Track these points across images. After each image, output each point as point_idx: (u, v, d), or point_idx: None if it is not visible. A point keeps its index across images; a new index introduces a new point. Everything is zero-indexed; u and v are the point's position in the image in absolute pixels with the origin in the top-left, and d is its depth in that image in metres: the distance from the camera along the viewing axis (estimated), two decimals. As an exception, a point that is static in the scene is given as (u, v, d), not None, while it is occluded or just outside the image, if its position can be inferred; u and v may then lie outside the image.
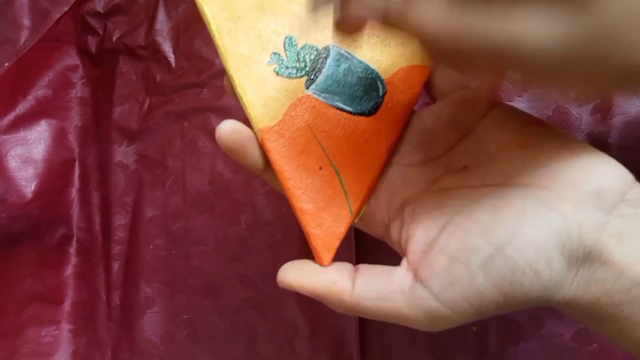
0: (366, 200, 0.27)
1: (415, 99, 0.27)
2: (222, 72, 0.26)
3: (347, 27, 0.21)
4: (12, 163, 0.39)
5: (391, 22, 0.19)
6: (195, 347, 0.39)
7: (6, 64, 0.38)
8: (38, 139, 0.41)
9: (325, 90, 0.26)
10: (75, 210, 0.41)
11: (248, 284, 0.39)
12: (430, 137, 0.27)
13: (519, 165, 0.24)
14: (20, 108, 0.40)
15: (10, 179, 0.39)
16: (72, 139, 0.42)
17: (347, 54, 0.27)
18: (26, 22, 0.39)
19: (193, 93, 0.41)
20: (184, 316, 0.39)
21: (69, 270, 0.41)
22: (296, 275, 0.25)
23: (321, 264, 0.26)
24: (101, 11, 0.42)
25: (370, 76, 0.27)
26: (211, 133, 0.40)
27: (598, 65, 0.19)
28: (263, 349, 0.38)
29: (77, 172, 0.42)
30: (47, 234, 0.40)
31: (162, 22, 0.41)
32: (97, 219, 0.41)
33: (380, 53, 0.27)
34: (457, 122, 0.26)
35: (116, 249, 0.41)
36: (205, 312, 0.39)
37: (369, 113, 0.27)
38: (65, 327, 0.40)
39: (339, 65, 0.27)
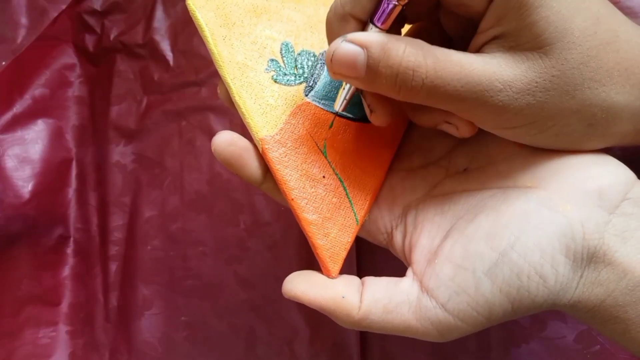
0: (370, 209, 0.27)
1: None
2: (221, 72, 0.26)
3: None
4: (9, 163, 0.39)
5: (375, 58, 0.20)
6: (194, 349, 0.39)
7: (3, 63, 0.38)
8: (35, 139, 0.40)
9: (324, 97, 0.26)
10: (73, 211, 0.41)
11: (247, 286, 0.38)
12: (429, 140, 0.27)
13: (519, 167, 0.24)
14: (17, 107, 0.40)
15: (7, 179, 0.39)
16: (70, 139, 0.42)
17: None
18: (23, 20, 0.39)
19: (191, 92, 0.40)
20: (182, 318, 0.39)
21: (66, 272, 0.40)
22: (303, 287, 0.24)
23: (328, 276, 0.25)
24: (99, 9, 0.42)
25: None
26: (209, 132, 0.40)
27: (565, 103, 0.21)
28: (262, 351, 0.38)
29: (74, 172, 0.41)
30: (44, 234, 0.40)
31: (160, 20, 0.41)
32: (94, 220, 0.41)
33: None
34: None
35: (114, 249, 0.41)
36: (203, 313, 0.39)
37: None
38: (63, 328, 0.40)
39: None
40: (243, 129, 0.26)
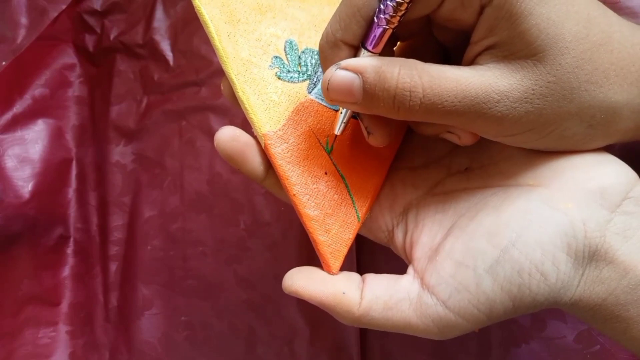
0: (371, 206, 0.27)
1: None
2: (221, 71, 0.26)
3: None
4: (9, 163, 0.39)
5: (370, 82, 0.21)
6: (194, 349, 0.39)
7: (3, 63, 0.38)
8: (35, 139, 0.40)
9: None
10: (73, 211, 0.41)
11: (247, 286, 0.38)
12: (431, 140, 0.27)
13: (520, 166, 0.24)
14: (18, 107, 0.40)
15: (7, 179, 0.39)
16: (70, 139, 0.42)
17: None
18: (23, 20, 0.39)
19: (191, 92, 0.40)
20: (182, 318, 0.39)
21: (66, 272, 0.40)
22: (304, 283, 0.24)
23: (329, 272, 0.25)
24: (99, 9, 0.42)
25: None
26: (209, 132, 0.40)
27: (563, 107, 0.21)
28: (262, 351, 0.38)
29: (74, 172, 0.41)
30: (44, 234, 0.40)
31: (160, 20, 0.41)
32: (94, 220, 0.41)
33: None
34: None
35: (114, 249, 0.41)
36: (203, 313, 0.39)
37: None
38: (63, 328, 0.40)
39: None
40: (243, 129, 0.26)
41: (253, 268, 0.38)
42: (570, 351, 0.33)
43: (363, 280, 0.24)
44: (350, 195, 0.26)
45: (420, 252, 0.24)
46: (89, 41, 0.42)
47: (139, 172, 0.41)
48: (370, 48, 0.22)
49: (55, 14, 0.39)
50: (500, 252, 0.21)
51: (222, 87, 0.26)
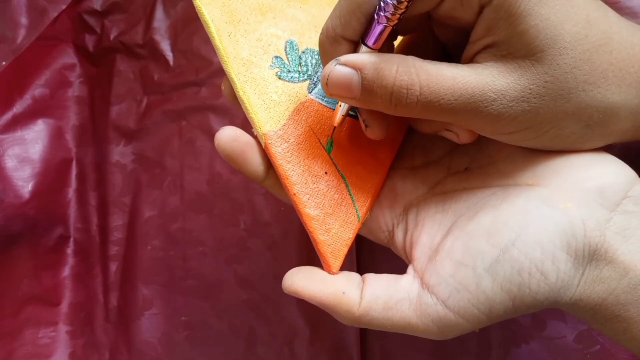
0: (371, 206, 0.27)
1: None
2: (221, 71, 0.26)
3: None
4: (9, 163, 0.39)
5: (369, 79, 0.21)
6: (194, 349, 0.39)
7: (3, 63, 0.38)
8: (35, 139, 0.40)
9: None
10: (73, 211, 0.41)
11: (247, 286, 0.38)
12: (431, 140, 0.27)
13: (520, 165, 0.24)
14: (18, 107, 0.40)
15: (7, 179, 0.39)
16: (69, 139, 0.42)
17: None
18: (23, 20, 0.39)
19: (191, 92, 0.40)
20: (182, 318, 0.39)
21: (66, 272, 0.40)
22: (304, 282, 0.24)
23: (329, 272, 0.25)
24: (99, 9, 0.42)
25: None
26: (209, 132, 0.40)
27: (560, 107, 0.21)
28: (262, 351, 0.38)
29: (74, 172, 0.41)
30: (44, 234, 0.40)
31: (160, 20, 0.41)
32: (94, 220, 0.41)
33: None
34: None
35: (113, 249, 0.41)
36: (203, 313, 0.39)
37: None
38: (63, 328, 0.40)
39: None
40: (243, 129, 0.26)
41: (253, 268, 0.38)
42: (570, 351, 0.33)
43: (363, 280, 0.24)
44: (350, 194, 0.26)
45: (420, 252, 0.24)
46: (89, 41, 0.42)
47: (139, 172, 0.41)
48: (370, 44, 0.22)
49: (55, 14, 0.39)
50: (500, 252, 0.21)
51: (223, 87, 0.26)
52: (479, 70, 0.20)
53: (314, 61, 0.27)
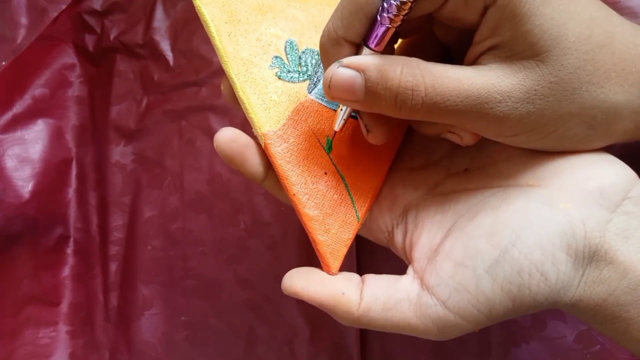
0: (371, 206, 0.27)
1: None
2: (221, 71, 0.26)
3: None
4: (9, 163, 0.39)
5: (372, 81, 0.21)
6: (194, 349, 0.39)
7: (3, 63, 0.38)
8: (35, 139, 0.40)
9: None
10: (73, 211, 0.41)
11: (247, 286, 0.38)
12: (431, 141, 0.27)
13: (520, 166, 0.24)
14: (18, 107, 0.40)
15: (7, 179, 0.39)
16: (69, 139, 0.42)
17: None
18: (23, 20, 0.39)
19: (191, 92, 0.40)
20: (182, 318, 0.39)
21: (66, 272, 0.40)
22: (303, 283, 0.24)
23: (329, 272, 0.25)
24: (99, 9, 0.42)
25: None
26: (209, 132, 0.40)
27: (564, 108, 0.21)
28: (262, 351, 0.38)
29: (74, 172, 0.41)
30: (44, 234, 0.40)
31: (160, 20, 0.41)
32: (94, 220, 0.41)
33: None
34: None
35: (113, 249, 0.40)
36: (203, 313, 0.39)
37: None
38: (63, 328, 0.40)
39: None
40: (243, 129, 0.26)
41: (253, 268, 0.38)
42: (570, 351, 0.33)
43: (363, 281, 0.24)
44: (350, 195, 0.26)
45: (419, 253, 0.24)
46: (89, 41, 0.42)
47: (139, 172, 0.41)
48: (372, 46, 0.21)
49: (55, 14, 0.39)
50: (500, 253, 0.21)
51: (222, 88, 0.26)
52: (484, 72, 0.20)
53: (313, 61, 0.27)
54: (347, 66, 0.21)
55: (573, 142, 0.22)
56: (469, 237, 0.22)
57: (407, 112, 0.21)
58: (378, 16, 0.21)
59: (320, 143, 0.26)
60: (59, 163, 0.41)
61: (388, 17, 0.20)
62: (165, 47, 0.41)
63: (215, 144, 0.24)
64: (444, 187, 0.26)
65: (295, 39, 0.26)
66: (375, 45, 0.21)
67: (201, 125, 0.40)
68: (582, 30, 0.20)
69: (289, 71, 0.26)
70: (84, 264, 0.41)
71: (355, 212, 0.26)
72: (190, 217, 0.40)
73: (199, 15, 0.25)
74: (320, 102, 0.26)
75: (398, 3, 0.20)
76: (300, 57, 0.26)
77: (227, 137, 0.24)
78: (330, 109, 0.26)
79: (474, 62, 0.22)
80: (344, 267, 0.26)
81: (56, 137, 0.41)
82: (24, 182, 0.39)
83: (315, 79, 0.26)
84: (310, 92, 0.26)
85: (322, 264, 0.25)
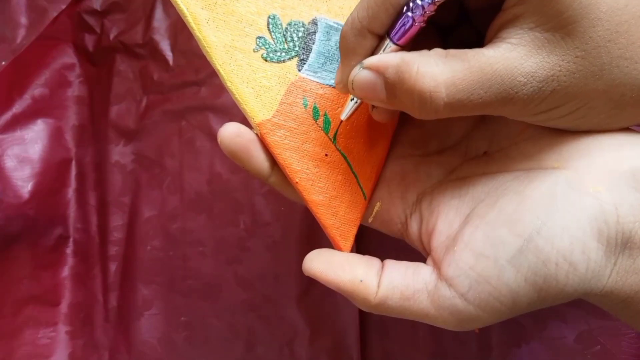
0: (377, 181, 0.26)
1: None
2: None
3: (345, 90, 0.22)
4: (9, 163, 0.39)
5: (390, 83, 0.20)
6: (193, 349, 0.39)
7: (3, 63, 0.37)
8: (35, 139, 0.40)
9: (319, 69, 0.25)
10: (72, 211, 0.41)
11: (247, 286, 0.38)
12: (445, 123, 0.25)
13: (544, 147, 0.22)
14: (17, 107, 0.40)
15: (6, 179, 0.39)
16: (69, 139, 0.41)
17: (336, 25, 0.25)
18: (23, 20, 0.39)
19: (191, 91, 0.40)
20: (182, 318, 0.39)
21: (66, 272, 0.40)
22: (323, 266, 0.23)
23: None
24: (98, 9, 0.42)
25: None
26: (209, 132, 0.40)
27: (591, 84, 0.19)
28: (262, 351, 0.38)
29: (73, 172, 0.41)
30: (44, 234, 0.40)
31: (159, 20, 0.41)
32: (94, 220, 0.41)
33: None
34: None
35: (113, 250, 0.40)
36: (203, 314, 0.39)
37: None
38: (62, 329, 0.40)
39: (329, 39, 0.25)
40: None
41: (253, 268, 0.38)
42: (570, 351, 0.33)
43: (383, 267, 0.23)
44: (353, 173, 0.25)
45: (437, 242, 0.23)
46: (89, 41, 0.42)
47: (138, 172, 0.41)
48: (395, 40, 0.20)
49: (55, 14, 0.39)
50: (524, 242, 0.20)
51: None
52: (506, 54, 0.19)
53: (300, 34, 0.25)
54: (368, 68, 0.20)
55: (596, 121, 0.21)
56: (489, 225, 0.21)
57: (427, 114, 0.20)
58: (405, 11, 0.20)
59: (317, 124, 0.25)
60: (58, 163, 0.41)
61: (414, 16, 0.19)
62: (165, 46, 0.41)
63: (219, 140, 0.24)
64: (461, 172, 0.24)
65: (278, 13, 0.25)
66: (399, 40, 0.20)
67: (201, 125, 0.40)
68: None
69: (276, 50, 0.24)
70: (84, 264, 0.41)
71: (361, 190, 0.25)
72: (190, 217, 0.40)
73: (173, 4, 0.24)
74: (312, 78, 0.25)
75: (426, 3, 0.19)
76: (285, 33, 0.25)
77: (232, 132, 0.23)
78: (324, 85, 0.25)
79: (497, 32, 0.20)
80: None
81: (56, 137, 0.41)
82: (24, 182, 0.39)
83: (303, 55, 0.25)
84: (301, 69, 0.25)
85: (334, 247, 0.25)
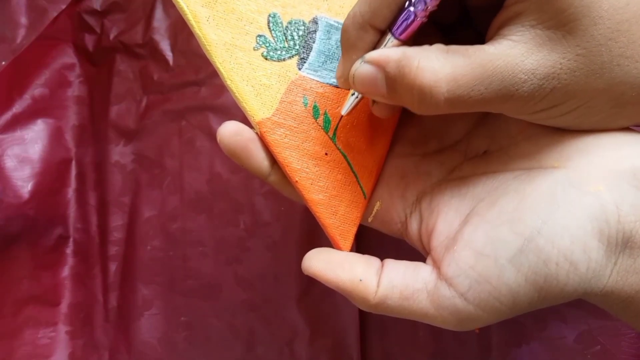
0: (377, 180, 0.26)
1: None
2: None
3: (346, 84, 0.22)
4: (9, 163, 0.39)
5: (391, 77, 0.20)
6: (193, 349, 0.39)
7: (3, 63, 0.37)
8: (35, 139, 0.40)
9: (319, 68, 0.25)
10: (72, 211, 0.41)
11: (247, 286, 0.38)
12: (445, 122, 0.26)
13: (544, 146, 0.22)
14: (17, 107, 0.40)
15: (6, 179, 0.39)
16: (69, 139, 0.41)
17: (337, 24, 0.25)
18: (23, 20, 0.39)
19: (191, 91, 0.40)
20: (182, 318, 0.39)
21: (66, 272, 0.40)
22: (322, 266, 0.23)
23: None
24: (98, 9, 0.42)
25: None
26: (209, 132, 0.40)
27: (591, 83, 0.19)
28: (262, 351, 0.38)
29: (73, 172, 0.41)
30: (44, 234, 0.40)
31: (159, 19, 0.41)
32: (93, 220, 0.41)
33: None
34: None
35: (113, 250, 0.40)
36: (203, 314, 0.39)
37: None
38: (62, 329, 0.40)
39: (330, 38, 0.25)
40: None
41: (253, 268, 0.38)
42: (570, 351, 0.33)
43: (382, 266, 0.23)
44: (353, 172, 0.25)
45: (437, 241, 0.23)
46: (89, 41, 0.42)
47: (138, 172, 0.41)
48: (397, 35, 0.20)
49: (55, 14, 0.39)
50: (524, 241, 0.20)
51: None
52: (507, 50, 0.19)
53: (300, 33, 0.25)
54: (369, 62, 0.20)
55: (595, 120, 0.21)
56: (490, 224, 0.21)
57: (427, 110, 0.20)
58: (407, 6, 0.20)
59: (317, 122, 0.25)
60: (58, 163, 0.41)
61: (416, 11, 0.19)
62: (165, 46, 0.41)
63: (218, 138, 0.23)
64: (461, 171, 0.24)
65: (278, 11, 0.25)
66: (400, 34, 0.20)
67: (201, 125, 0.40)
68: None
69: (276, 49, 0.24)
70: (84, 264, 0.41)
71: (361, 190, 0.25)
72: (190, 217, 0.40)
73: (174, 2, 0.24)
74: (312, 77, 0.25)
75: None
76: (285, 31, 0.25)
77: (231, 130, 0.23)
78: (324, 83, 0.25)
79: (497, 30, 0.20)
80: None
81: (56, 137, 0.41)
82: (24, 182, 0.39)
83: (303, 53, 0.25)
84: (301, 68, 0.25)
85: (334, 246, 0.25)
